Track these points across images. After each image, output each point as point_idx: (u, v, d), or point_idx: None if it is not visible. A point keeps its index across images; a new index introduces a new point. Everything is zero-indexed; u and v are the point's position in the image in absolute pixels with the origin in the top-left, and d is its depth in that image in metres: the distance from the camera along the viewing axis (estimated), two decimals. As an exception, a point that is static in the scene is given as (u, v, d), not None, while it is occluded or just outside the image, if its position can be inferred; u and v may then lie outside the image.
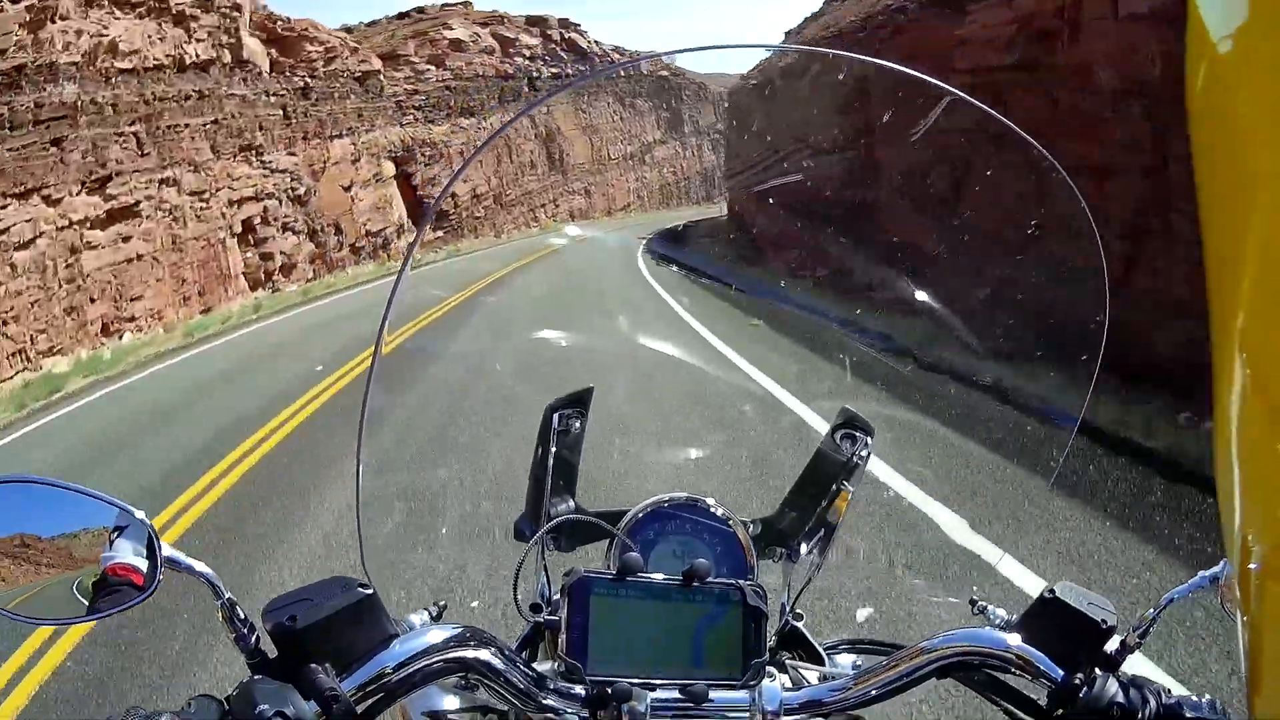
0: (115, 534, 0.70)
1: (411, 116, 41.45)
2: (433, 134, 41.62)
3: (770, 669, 0.82)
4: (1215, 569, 0.76)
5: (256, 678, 0.67)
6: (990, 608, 0.87)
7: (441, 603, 0.87)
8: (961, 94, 0.94)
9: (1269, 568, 0.38)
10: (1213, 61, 0.41)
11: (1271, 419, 0.38)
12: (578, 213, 59.53)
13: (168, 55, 22.21)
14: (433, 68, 46.52)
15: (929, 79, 0.94)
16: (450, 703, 0.94)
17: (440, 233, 40.04)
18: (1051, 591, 0.79)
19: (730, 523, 1.02)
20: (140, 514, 0.71)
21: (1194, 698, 0.72)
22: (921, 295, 1.25)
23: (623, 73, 74.81)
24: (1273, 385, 0.37)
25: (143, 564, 0.70)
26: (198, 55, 23.64)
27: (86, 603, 0.70)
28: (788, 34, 24.09)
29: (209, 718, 0.62)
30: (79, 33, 18.27)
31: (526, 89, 58.60)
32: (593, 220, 60.18)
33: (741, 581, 0.82)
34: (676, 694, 0.77)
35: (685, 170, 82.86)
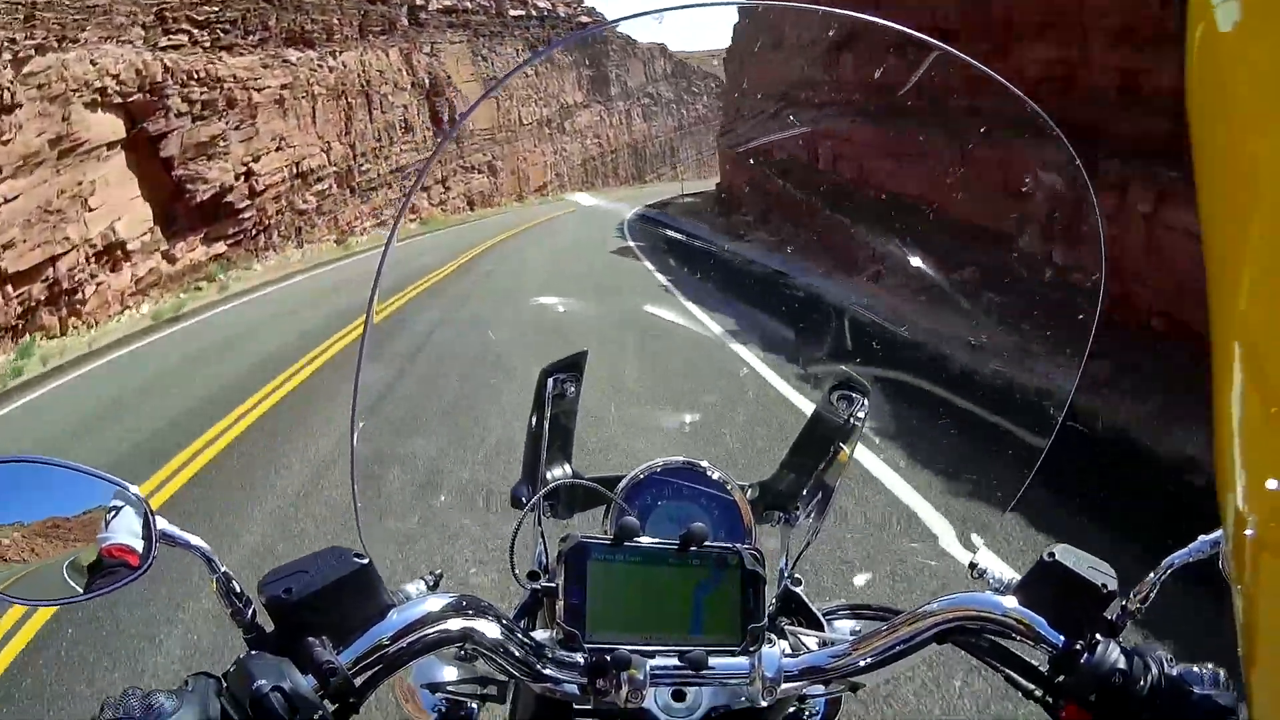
0: (110, 511, 0.70)
1: (183, 35, 23.65)
2: (224, 67, 23.90)
3: (769, 634, 0.81)
4: (1216, 534, 0.74)
5: (253, 653, 0.66)
6: (989, 571, 0.85)
7: (438, 572, 0.85)
8: (952, 50, 0.94)
9: (1263, 538, 0.39)
10: (1214, 51, 0.41)
11: (1266, 390, 0.39)
12: (477, 198, 42.39)
13: None
14: (245, -31, 28.55)
15: (918, 35, 0.94)
16: (449, 674, 0.94)
17: (223, 245, 22.57)
18: (1052, 555, 0.78)
19: (728, 487, 1.01)
20: (135, 489, 0.71)
21: (1195, 668, 0.72)
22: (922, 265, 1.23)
23: (534, 13, 57.69)
24: (1270, 361, 0.38)
25: (138, 542, 0.70)
26: None
27: (82, 581, 0.70)
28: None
29: (206, 695, 0.62)
30: None
31: (406, 21, 40.96)
32: (502, 206, 43.35)
33: (739, 545, 0.82)
34: (675, 660, 0.76)
35: (612, 141, 66.45)
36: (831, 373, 1.09)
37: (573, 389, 1.09)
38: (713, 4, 0.98)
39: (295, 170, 26.40)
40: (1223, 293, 0.41)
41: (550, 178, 53.33)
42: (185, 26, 23.84)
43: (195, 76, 22.37)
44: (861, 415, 1.06)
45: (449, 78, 41.88)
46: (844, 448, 1.06)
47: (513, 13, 54.68)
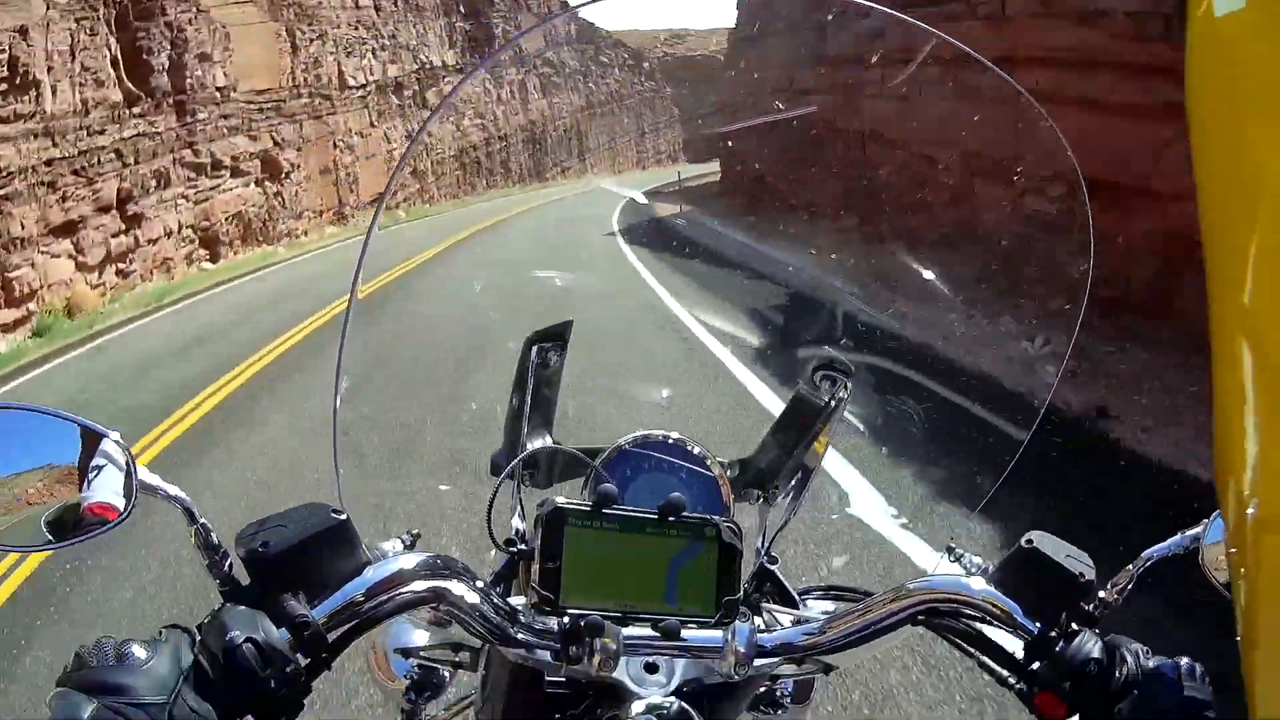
0: (92, 459, 0.70)
1: None
2: None
3: (744, 610, 0.81)
4: (1196, 529, 0.77)
5: (227, 605, 0.66)
6: (966, 555, 0.85)
7: (415, 531, 0.85)
8: (946, 37, 0.97)
9: (1264, 519, 0.39)
10: (1214, 49, 0.42)
11: (1270, 379, 0.39)
12: (231, 229, 21.83)
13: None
14: None
15: (917, 23, 0.97)
16: (422, 638, 0.96)
17: None
18: (1029, 541, 0.78)
19: (707, 462, 1.02)
20: (116, 435, 0.70)
21: (1171, 660, 0.72)
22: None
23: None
24: (1273, 350, 0.39)
25: (119, 499, 0.70)
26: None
27: (61, 532, 0.69)
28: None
29: (179, 645, 0.62)
30: None
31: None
32: (295, 241, 23.53)
33: (717, 518, 0.80)
34: (649, 630, 0.76)
35: (501, 123, 46.62)
36: (815, 354, 1.08)
37: (556, 359, 1.09)
38: None
39: None
40: (1223, 285, 0.41)
41: (402, 182, 33.37)
42: None
43: None
44: (844, 396, 1.05)
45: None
46: (825, 429, 1.06)
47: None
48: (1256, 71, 0.39)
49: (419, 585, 0.72)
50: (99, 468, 0.69)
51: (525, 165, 47.58)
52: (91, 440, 0.70)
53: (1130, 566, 0.79)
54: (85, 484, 0.69)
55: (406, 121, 35.14)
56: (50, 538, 0.69)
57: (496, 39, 50.68)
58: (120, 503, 0.69)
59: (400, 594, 0.71)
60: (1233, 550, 0.42)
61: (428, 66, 38.90)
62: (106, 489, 0.69)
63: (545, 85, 54.56)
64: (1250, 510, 0.39)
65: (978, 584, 0.78)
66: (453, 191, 38.41)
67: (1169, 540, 0.79)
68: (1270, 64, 0.38)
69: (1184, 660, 0.71)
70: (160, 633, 0.63)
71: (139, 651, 0.60)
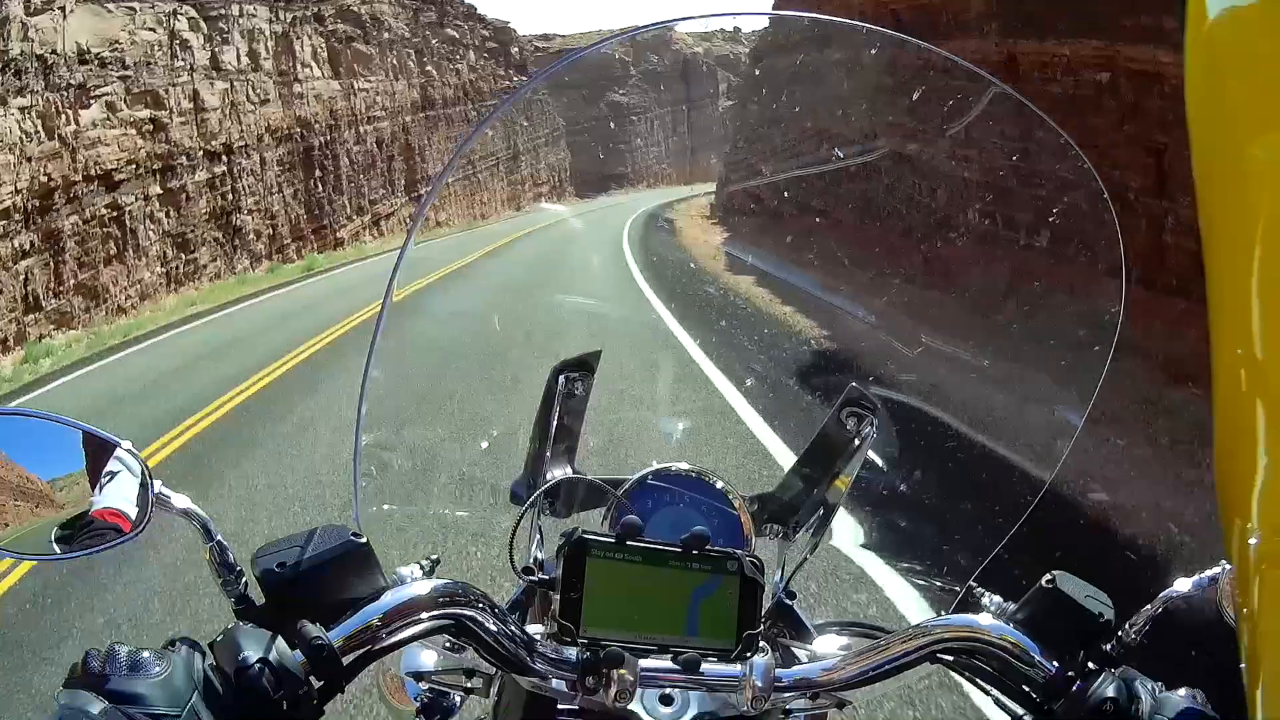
0: (104, 467, 0.69)
1: None
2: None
3: (762, 644, 0.82)
4: (1215, 570, 0.78)
5: (241, 624, 0.66)
6: (987, 594, 0.86)
7: (435, 557, 0.85)
8: (1002, 85, 0.94)
9: (1268, 554, 0.39)
10: (1213, 53, 0.42)
11: (1272, 410, 0.38)
12: None
13: None
14: None
15: (974, 68, 0.92)
16: (436, 663, 0.95)
17: None
18: (1051, 581, 0.80)
19: (729, 496, 1.03)
20: (128, 444, 0.70)
21: (1184, 691, 0.73)
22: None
23: None
24: (1273, 373, 0.38)
25: (130, 507, 0.70)
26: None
27: (70, 539, 0.69)
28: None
29: (191, 660, 0.62)
30: None
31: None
32: None
33: (740, 552, 0.82)
34: (668, 663, 0.77)
35: (222, 122, 21.63)
36: (842, 389, 1.07)
37: (582, 388, 1.09)
38: (752, 14, 1.06)
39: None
40: (1225, 310, 0.40)
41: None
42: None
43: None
44: (869, 434, 1.05)
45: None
46: (848, 465, 1.06)
47: None
48: (1256, 80, 0.38)
49: (437, 612, 0.72)
50: (111, 476, 0.69)
51: (285, 214, 22.32)
52: (102, 449, 0.69)
53: (1148, 607, 0.79)
54: (98, 493, 0.68)
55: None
56: (61, 547, 0.68)
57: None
58: (134, 512, 0.69)
59: (418, 619, 0.71)
60: (1231, 594, 0.40)
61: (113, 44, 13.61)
62: (119, 498, 0.68)
63: (342, 55, 29.55)
64: (1253, 541, 0.39)
65: (997, 623, 0.79)
66: (10, 312, 13.06)
67: (1187, 580, 0.79)
68: (1270, 73, 0.37)
69: (1198, 692, 0.73)
70: (173, 644, 0.62)
71: (153, 662, 0.60)
